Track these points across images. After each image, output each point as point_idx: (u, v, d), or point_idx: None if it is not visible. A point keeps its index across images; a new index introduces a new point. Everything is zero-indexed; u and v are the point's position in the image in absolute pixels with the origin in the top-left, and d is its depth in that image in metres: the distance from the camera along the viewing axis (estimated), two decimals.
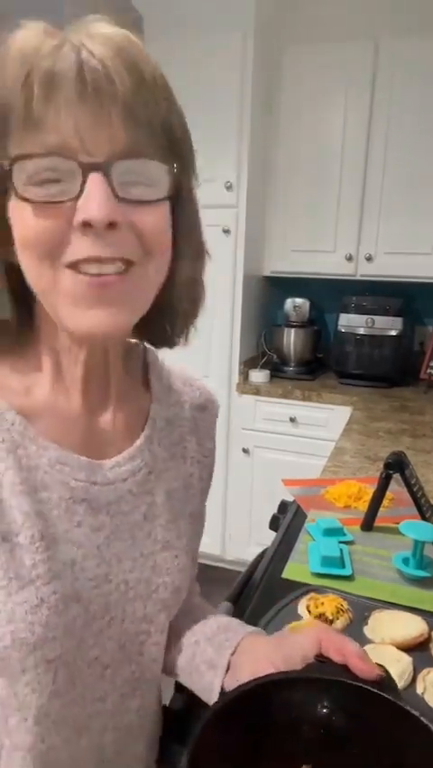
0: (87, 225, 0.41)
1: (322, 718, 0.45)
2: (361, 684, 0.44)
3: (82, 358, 0.50)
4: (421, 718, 0.41)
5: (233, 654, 0.57)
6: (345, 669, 0.46)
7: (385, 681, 0.46)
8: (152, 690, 0.60)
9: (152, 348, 0.62)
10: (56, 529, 0.48)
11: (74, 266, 0.42)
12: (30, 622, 0.45)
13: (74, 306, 0.43)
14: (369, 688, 0.44)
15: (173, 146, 0.45)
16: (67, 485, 0.49)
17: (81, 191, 0.40)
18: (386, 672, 0.47)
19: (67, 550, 0.49)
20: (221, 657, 0.57)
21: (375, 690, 0.44)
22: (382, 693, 0.43)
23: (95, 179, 0.40)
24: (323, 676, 0.46)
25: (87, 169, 0.40)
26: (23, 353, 0.52)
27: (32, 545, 0.46)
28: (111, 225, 0.41)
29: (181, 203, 0.48)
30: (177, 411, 0.62)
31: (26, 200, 0.41)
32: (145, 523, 0.55)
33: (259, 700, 0.44)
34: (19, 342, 0.51)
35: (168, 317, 0.54)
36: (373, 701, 0.43)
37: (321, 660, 0.49)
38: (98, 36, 0.42)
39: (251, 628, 0.62)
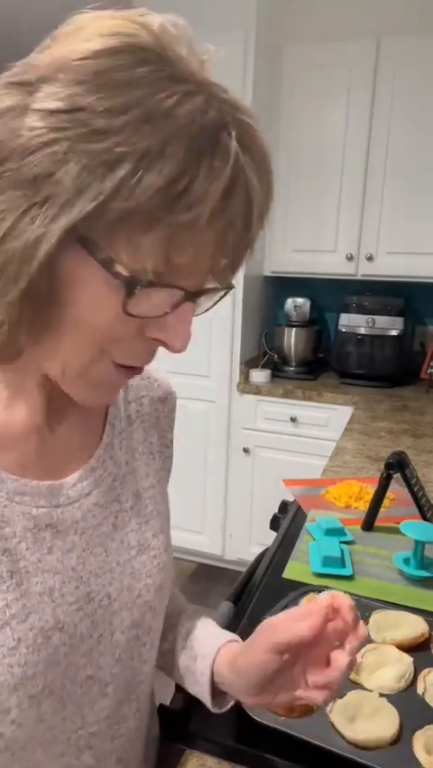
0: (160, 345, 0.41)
1: None
2: None
3: (49, 386, 0.48)
4: None
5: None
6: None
7: None
8: (146, 690, 0.59)
9: None
10: (27, 562, 0.47)
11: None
12: (8, 664, 0.44)
13: (93, 389, 0.44)
14: None
15: None
16: (29, 515, 0.47)
17: (171, 311, 0.39)
18: None
19: (43, 580, 0.47)
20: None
21: None
22: None
23: (188, 308, 0.39)
24: None
25: (189, 295, 0.39)
26: None
27: (1, 585, 0.45)
28: None
29: None
30: (136, 407, 0.60)
31: (132, 315, 0.38)
32: (116, 532, 0.54)
33: None
34: None
35: None
36: None
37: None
38: (253, 143, 0.37)
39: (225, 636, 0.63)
